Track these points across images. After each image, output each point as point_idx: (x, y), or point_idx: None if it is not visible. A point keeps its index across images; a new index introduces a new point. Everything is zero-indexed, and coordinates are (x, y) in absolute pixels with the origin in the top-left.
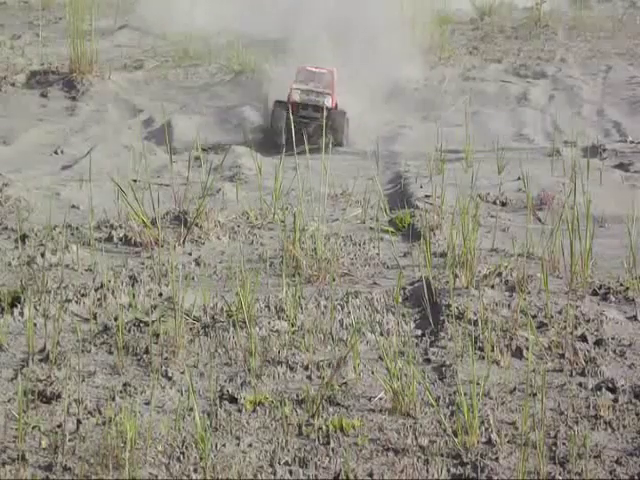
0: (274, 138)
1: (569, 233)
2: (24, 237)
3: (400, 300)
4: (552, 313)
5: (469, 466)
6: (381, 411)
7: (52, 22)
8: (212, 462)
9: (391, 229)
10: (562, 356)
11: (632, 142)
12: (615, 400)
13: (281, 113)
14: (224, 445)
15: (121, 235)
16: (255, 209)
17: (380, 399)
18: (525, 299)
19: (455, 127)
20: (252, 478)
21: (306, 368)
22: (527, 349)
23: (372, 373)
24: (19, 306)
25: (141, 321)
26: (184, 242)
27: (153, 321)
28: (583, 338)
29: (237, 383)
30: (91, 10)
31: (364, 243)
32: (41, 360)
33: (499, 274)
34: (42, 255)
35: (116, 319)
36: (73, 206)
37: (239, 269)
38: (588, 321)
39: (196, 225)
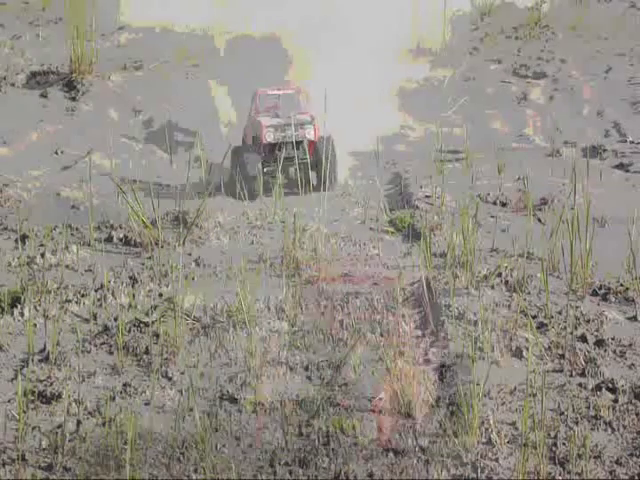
0: (246, 187)
1: (569, 233)
2: (24, 237)
3: (400, 300)
4: (552, 313)
5: (469, 466)
6: (381, 411)
7: (52, 22)
8: (212, 462)
9: (391, 229)
10: (562, 356)
11: (632, 142)
12: (615, 400)
13: (253, 159)
14: (224, 445)
15: (121, 235)
16: (255, 209)
17: (380, 399)
18: (525, 299)
19: (455, 127)
20: (252, 478)
21: (306, 368)
22: (527, 349)
23: (372, 374)
24: (19, 306)
25: (141, 321)
26: (184, 242)
27: (153, 321)
28: (583, 338)
29: (237, 384)
30: (91, 10)
31: (364, 243)
32: (41, 360)
33: (499, 274)
34: (42, 255)
35: (116, 319)
36: (73, 206)
37: (239, 269)
38: (588, 321)
39: (196, 225)
